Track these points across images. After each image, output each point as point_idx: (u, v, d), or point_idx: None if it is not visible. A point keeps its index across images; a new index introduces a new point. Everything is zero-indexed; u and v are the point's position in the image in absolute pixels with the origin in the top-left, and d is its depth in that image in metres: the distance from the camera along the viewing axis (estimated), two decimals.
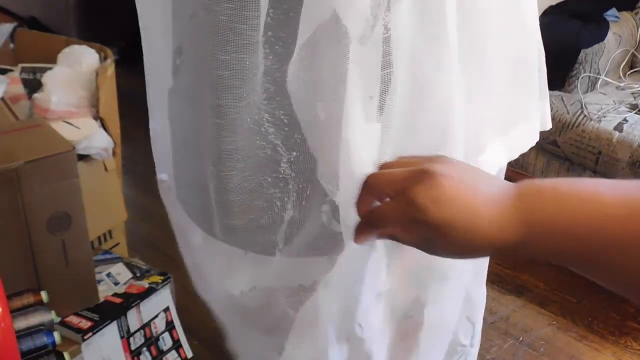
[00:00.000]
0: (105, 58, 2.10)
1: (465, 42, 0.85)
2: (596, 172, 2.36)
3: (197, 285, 1.19)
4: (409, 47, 0.78)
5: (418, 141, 0.85)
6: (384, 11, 0.74)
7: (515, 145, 1.02)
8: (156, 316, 1.78)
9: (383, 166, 0.74)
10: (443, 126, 0.86)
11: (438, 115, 0.85)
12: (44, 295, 1.24)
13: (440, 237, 0.62)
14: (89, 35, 3.04)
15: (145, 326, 1.76)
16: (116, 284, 1.78)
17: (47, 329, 1.19)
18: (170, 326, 1.82)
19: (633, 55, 2.69)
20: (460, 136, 0.88)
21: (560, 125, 2.37)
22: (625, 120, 2.32)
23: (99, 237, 2.01)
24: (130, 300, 1.72)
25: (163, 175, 1.10)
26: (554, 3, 2.64)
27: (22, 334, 1.15)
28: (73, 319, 1.64)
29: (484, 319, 1.25)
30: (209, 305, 1.18)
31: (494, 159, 0.98)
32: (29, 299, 1.22)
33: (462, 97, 0.86)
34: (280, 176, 0.89)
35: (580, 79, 2.47)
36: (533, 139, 1.05)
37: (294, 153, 0.87)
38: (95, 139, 1.92)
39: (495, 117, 0.95)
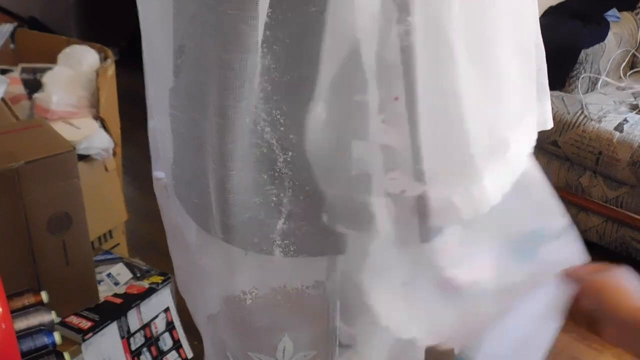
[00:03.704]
0: (105, 58, 2.10)
1: (476, 40, 0.86)
2: (596, 173, 2.36)
3: (187, 286, 1.19)
4: (423, 53, 0.81)
5: (443, 141, 0.86)
6: (395, 23, 0.80)
7: (529, 138, 1.03)
8: (156, 316, 1.78)
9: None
10: (464, 124, 0.87)
11: (460, 116, 0.86)
12: (44, 295, 1.24)
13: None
14: (89, 35, 3.03)
15: (146, 326, 1.76)
16: (116, 284, 1.79)
17: (48, 329, 1.19)
18: (170, 326, 1.82)
19: (633, 55, 2.69)
20: (483, 132, 0.89)
21: (560, 125, 2.37)
22: (625, 120, 2.32)
23: (99, 237, 2.01)
24: (131, 300, 1.72)
25: (159, 172, 1.10)
26: (554, 3, 2.64)
27: (22, 334, 1.14)
28: (73, 319, 1.64)
29: None
30: (195, 308, 1.18)
31: (520, 153, 0.99)
32: (29, 299, 1.22)
33: (478, 94, 0.87)
34: (277, 174, 0.89)
35: (580, 79, 2.47)
36: (535, 135, 1.06)
37: (290, 153, 0.87)
38: (96, 139, 1.92)
39: (512, 112, 0.97)
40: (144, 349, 1.76)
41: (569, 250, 1.06)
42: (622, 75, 2.65)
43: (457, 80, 0.84)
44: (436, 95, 0.84)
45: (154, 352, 1.78)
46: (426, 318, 1.03)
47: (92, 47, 2.10)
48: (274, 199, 0.90)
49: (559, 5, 2.64)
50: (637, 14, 2.71)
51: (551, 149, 2.43)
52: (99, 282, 1.75)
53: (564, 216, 1.07)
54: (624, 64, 2.66)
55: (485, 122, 0.90)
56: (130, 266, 1.85)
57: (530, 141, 1.03)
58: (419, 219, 0.91)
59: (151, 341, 1.78)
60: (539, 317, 1.06)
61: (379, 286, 0.96)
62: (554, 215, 1.06)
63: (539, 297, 1.04)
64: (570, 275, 0.98)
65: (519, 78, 0.98)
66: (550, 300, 1.04)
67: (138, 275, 1.82)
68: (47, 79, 2.00)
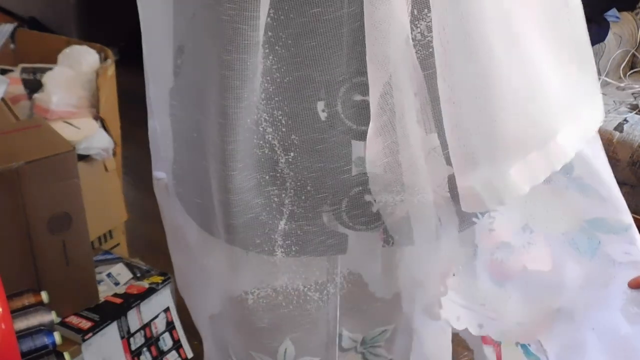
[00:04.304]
0: (105, 58, 2.10)
1: (506, 30, 0.85)
2: None
3: (187, 286, 1.19)
4: (447, 48, 0.81)
5: (468, 131, 0.86)
6: (416, 20, 0.81)
7: (585, 127, 1.01)
8: (156, 316, 1.78)
9: None
10: (493, 115, 0.87)
11: (486, 108, 0.86)
12: (44, 295, 1.24)
13: None
14: (89, 35, 3.03)
15: (146, 326, 1.76)
16: (116, 284, 1.78)
17: (48, 329, 1.19)
18: (170, 326, 1.82)
19: (633, 55, 2.69)
20: (519, 122, 0.89)
21: None
22: (625, 120, 2.32)
23: (99, 237, 2.01)
24: (131, 300, 1.72)
25: (159, 173, 1.10)
26: None
27: (22, 335, 1.14)
28: (73, 319, 1.64)
29: None
30: (196, 308, 1.19)
31: (568, 142, 0.97)
32: (29, 299, 1.22)
33: (512, 87, 0.87)
34: (278, 175, 0.89)
35: None
36: (600, 118, 1.02)
37: (292, 154, 0.87)
38: (96, 139, 1.92)
39: (561, 99, 0.95)
40: (144, 349, 1.76)
41: (633, 248, 1.05)
42: (622, 75, 2.65)
43: (486, 73, 0.84)
44: (462, 87, 0.84)
45: (154, 352, 1.78)
46: (478, 309, 1.03)
47: (92, 47, 2.10)
48: (275, 199, 0.90)
49: None
50: (637, 14, 2.71)
51: None
52: (99, 282, 1.75)
53: (628, 213, 1.06)
54: (624, 64, 2.66)
55: (524, 113, 0.89)
56: (130, 266, 1.85)
57: (586, 131, 1.01)
58: (456, 205, 0.92)
59: (151, 341, 1.78)
60: (627, 317, 1.05)
61: (433, 280, 0.97)
62: (617, 208, 1.05)
63: (618, 296, 1.04)
64: None
65: (574, 63, 0.97)
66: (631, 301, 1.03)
67: (138, 275, 1.82)
68: (47, 79, 2.00)
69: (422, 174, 0.88)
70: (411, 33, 0.82)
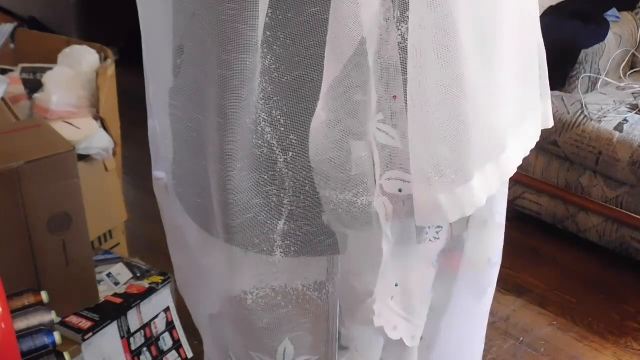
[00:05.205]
0: (105, 58, 2.10)
1: (480, 39, 0.85)
2: (596, 173, 2.36)
3: (187, 286, 1.19)
4: (424, 52, 0.81)
5: (439, 141, 0.86)
6: (398, 22, 0.80)
7: (527, 142, 1.02)
8: (156, 316, 1.78)
9: None
10: (464, 125, 0.86)
11: (457, 115, 0.85)
12: (44, 295, 1.24)
13: None
14: (89, 35, 3.04)
15: (146, 326, 1.76)
16: (116, 284, 1.79)
17: (48, 329, 1.19)
18: (170, 326, 1.82)
19: (633, 55, 2.69)
20: (482, 134, 0.88)
21: (560, 125, 2.37)
22: (625, 120, 2.32)
23: (99, 237, 2.01)
24: (131, 300, 1.72)
25: (159, 172, 1.10)
26: (554, 3, 2.64)
27: (22, 334, 1.15)
28: (73, 319, 1.64)
29: None
30: (196, 308, 1.19)
31: (514, 156, 0.98)
32: (29, 299, 1.23)
33: (481, 95, 0.87)
34: (277, 174, 0.89)
35: (580, 79, 2.47)
36: (538, 135, 1.05)
37: (290, 154, 0.87)
38: (96, 139, 1.92)
39: (511, 113, 0.96)
40: (144, 349, 1.76)
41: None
42: (622, 75, 2.65)
43: (460, 80, 0.84)
44: (437, 94, 0.84)
45: (154, 352, 1.78)
46: (416, 320, 1.03)
47: (92, 47, 2.10)
48: (274, 199, 0.90)
49: (559, 5, 2.64)
50: (637, 14, 2.71)
51: (551, 149, 2.43)
52: (99, 282, 1.75)
53: None
54: (624, 64, 2.66)
55: (486, 123, 0.90)
56: (130, 266, 1.85)
57: (529, 144, 1.02)
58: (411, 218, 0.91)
59: (151, 341, 1.78)
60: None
61: (375, 286, 0.96)
62: None
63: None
64: None
65: (521, 78, 0.98)
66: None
67: (138, 275, 1.82)
68: (47, 79, 2.00)
69: (372, 178, 0.86)
70: (395, 35, 0.81)
